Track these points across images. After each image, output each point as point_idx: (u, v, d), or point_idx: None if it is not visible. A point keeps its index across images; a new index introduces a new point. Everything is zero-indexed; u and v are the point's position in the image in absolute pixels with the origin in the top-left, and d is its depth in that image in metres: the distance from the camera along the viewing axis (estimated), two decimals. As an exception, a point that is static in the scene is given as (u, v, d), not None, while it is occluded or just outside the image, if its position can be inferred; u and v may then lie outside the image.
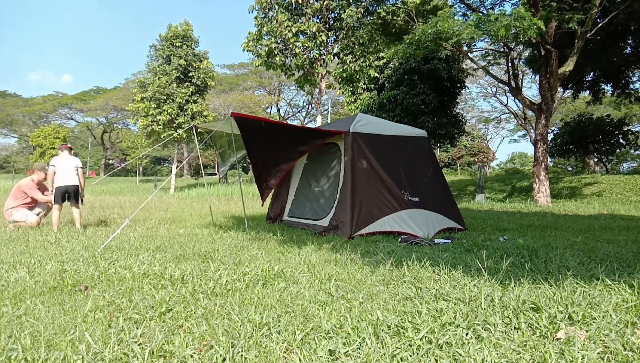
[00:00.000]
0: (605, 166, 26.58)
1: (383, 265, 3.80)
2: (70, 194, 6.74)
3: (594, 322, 2.32)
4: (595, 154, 22.27)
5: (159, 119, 24.82)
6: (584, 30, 12.06)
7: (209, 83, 26.58)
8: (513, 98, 24.81)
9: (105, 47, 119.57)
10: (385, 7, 15.36)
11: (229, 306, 2.73)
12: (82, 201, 6.96)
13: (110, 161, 64.76)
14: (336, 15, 16.46)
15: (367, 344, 2.10)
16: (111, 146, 60.67)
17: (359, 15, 15.60)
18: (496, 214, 9.62)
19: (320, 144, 6.94)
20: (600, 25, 12.59)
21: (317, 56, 16.65)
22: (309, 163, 7.46)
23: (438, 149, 37.70)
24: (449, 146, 26.20)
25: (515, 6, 14.05)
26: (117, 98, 48.08)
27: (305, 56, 16.27)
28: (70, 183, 6.70)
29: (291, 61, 16.65)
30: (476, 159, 47.96)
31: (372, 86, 20.37)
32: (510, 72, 15.68)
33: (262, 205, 8.52)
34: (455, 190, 20.19)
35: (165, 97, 25.05)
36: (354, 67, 16.64)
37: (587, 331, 2.22)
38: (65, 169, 6.74)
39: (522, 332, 2.24)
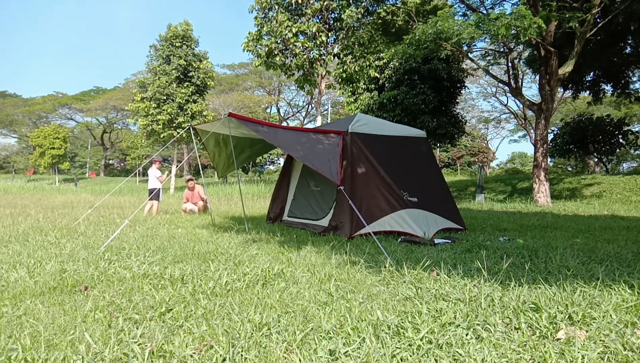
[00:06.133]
0: (605, 166, 26.59)
1: (383, 265, 3.80)
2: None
3: (594, 322, 2.32)
4: (595, 154, 22.28)
5: (159, 119, 24.82)
6: (584, 31, 12.06)
7: (208, 83, 26.57)
8: (513, 98, 24.82)
9: (105, 47, 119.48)
10: (385, 7, 15.36)
11: (229, 306, 2.73)
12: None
13: (110, 161, 64.75)
14: (336, 15, 16.46)
15: (367, 344, 2.10)
16: (111, 146, 60.67)
17: (359, 16, 15.60)
18: (496, 215, 9.62)
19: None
20: (600, 25, 12.59)
21: (317, 56, 16.65)
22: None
23: (438, 149, 37.73)
24: (449, 146, 26.20)
25: (515, 6, 14.04)
26: (117, 98, 48.04)
27: (305, 56, 16.27)
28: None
29: (291, 61, 16.64)
30: (476, 159, 47.99)
31: (372, 86, 20.37)
32: (510, 72, 15.68)
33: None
34: (455, 190, 20.20)
35: (165, 97, 25.05)
36: (354, 67, 16.63)
37: (587, 331, 2.22)
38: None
39: (522, 332, 2.24)
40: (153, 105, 24.93)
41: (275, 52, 16.19)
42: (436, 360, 1.98)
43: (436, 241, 5.48)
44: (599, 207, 12.22)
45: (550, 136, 22.30)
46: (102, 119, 57.29)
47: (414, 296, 2.89)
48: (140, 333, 2.26)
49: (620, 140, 20.55)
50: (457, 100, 20.94)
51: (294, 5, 15.94)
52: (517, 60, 22.57)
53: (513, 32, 10.35)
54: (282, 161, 47.29)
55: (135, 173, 46.93)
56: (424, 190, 6.46)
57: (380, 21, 15.63)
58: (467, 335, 2.20)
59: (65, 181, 44.31)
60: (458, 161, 49.49)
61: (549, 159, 17.96)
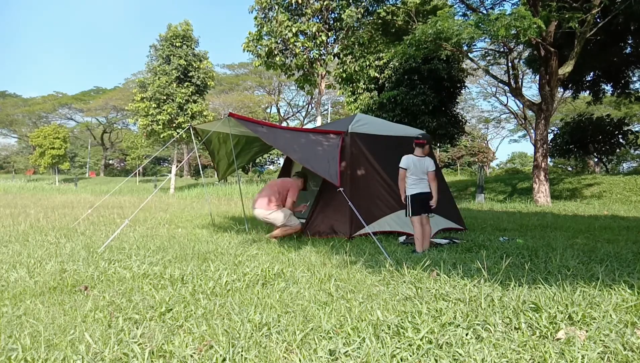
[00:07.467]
0: (605, 166, 26.59)
1: (383, 265, 3.80)
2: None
3: (594, 322, 2.32)
4: (595, 154, 22.27)
5: (159, 119, 24.81)
6: (584, 31, 12.06)
7: (208, 83, 26.56)
8: (513, 98, 24.83)
9: (106, 47, 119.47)
10: (385, 7, 15.36)
11: (229, 306, 2.73)
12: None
13: (110, 161, 64.74)
14: (336, 15, 16.46)
15: (367, 344, 2.10)
16: (111, 146, 60.65)
17: (359, 16, 15.60)
18: (496, 215, 9.62)
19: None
20: (600, 25, 12.59)
21: (317, 56, 16.65)
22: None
23: (438, 149, 37.69)
24: (449, 146, 26.18)
25: (515, 6, 14.05)
26: (117, 98, 48.03)
27: (305, 56, 16.27)
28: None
29: (291, 61, 16.65)
30: (476, 159, 47.96)
31: (372, 86, 20.36)
32: (510, 72, 15.68)
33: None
34: (455, 190, 20.20)
35: (165, 97, 25.04)
36: (354, 67, 16.64)
37: (587, 331, 2.22)
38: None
39: (522, 332, 2.24)
40: (153, 105, 24.91)
41: (275, 52, 16.19)
42: (436, 360, 1.98)
43: (436, 241, 5.47)
44: (599, 207, 12.22)
45: (550, 136, 22.28)
46: (102, 119, 57.27)
47: (414, 296, 2.89)
48: (140, 333, 2.26)
49: (620, 140, 20.54)
50: (457, 100, 20.93)
51: (294, 5, 15.94)
52: (517, 60, 22.54)
53: (513, 32, 10.34)
54: (282, 161, 47.29)
55: (135, 173, 46.88)
56: (424, 190, 6.45)
57: (380, 21, 15.63)
58: (467, 335, 2.20)
59: (65, 181, 44.28)
60: (458, 161, 49.49)
61: (549, 159, 17.94)
